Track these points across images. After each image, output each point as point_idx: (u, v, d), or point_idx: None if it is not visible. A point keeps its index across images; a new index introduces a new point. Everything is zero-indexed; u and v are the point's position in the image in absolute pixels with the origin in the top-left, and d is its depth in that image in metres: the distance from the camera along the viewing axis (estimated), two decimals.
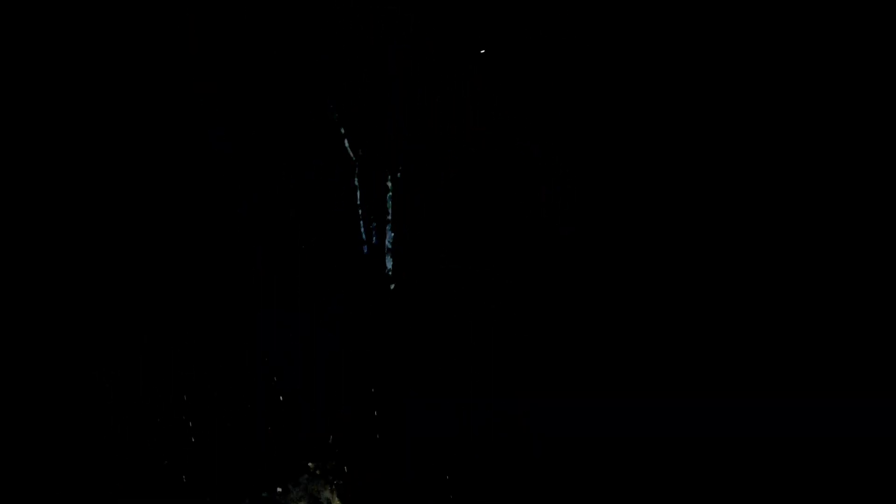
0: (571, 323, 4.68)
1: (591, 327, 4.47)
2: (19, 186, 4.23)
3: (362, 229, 6.00)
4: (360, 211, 5.94)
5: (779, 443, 3.13)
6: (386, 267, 5.97)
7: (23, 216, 4.21)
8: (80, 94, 4.62)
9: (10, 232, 4.16)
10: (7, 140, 4.32)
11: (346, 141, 5.63)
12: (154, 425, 3.71)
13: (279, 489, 3.60)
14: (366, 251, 6.04)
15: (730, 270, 4.11)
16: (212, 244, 5.40)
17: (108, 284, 4.39)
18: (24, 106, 4.39)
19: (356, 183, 5.86)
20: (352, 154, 5.70)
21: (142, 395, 3.88)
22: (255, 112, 6.18)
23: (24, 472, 3.36)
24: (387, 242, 5.92)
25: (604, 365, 4.06)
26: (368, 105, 5.71)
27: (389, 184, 5.81)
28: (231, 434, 4.01)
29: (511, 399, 3.97)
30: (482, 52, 5.02)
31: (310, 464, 3.74)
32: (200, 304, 4.88)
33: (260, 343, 4.86)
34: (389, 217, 5.85)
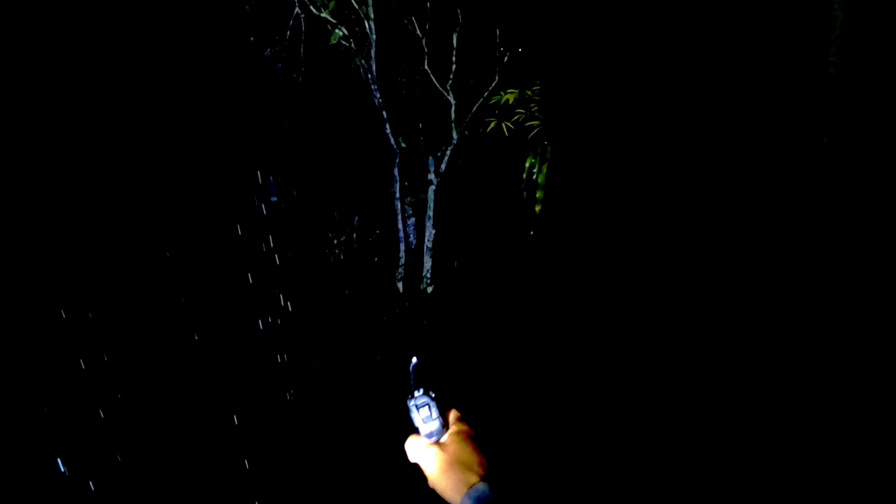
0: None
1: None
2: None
3: (400, 226, 5.43)
4: (398, 205, 5.37)
5: None
6: (424, 268, 5.41)
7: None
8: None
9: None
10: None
11: (387, 126, 5.04)
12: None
13: None
14: (402, 250, 5.48)
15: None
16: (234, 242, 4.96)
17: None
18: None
19: (396, 174, 5.28)
20: (394, 141, 5.12)
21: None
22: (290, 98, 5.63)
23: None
24: (426, 241, 5.35)
25: None
26: (415, 88, 5.11)
27: (433, 176, 5.22)
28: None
29: None
30: None
31: None
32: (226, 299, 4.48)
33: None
34: (431, 213, 5.27)
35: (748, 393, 3.56)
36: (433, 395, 0.93)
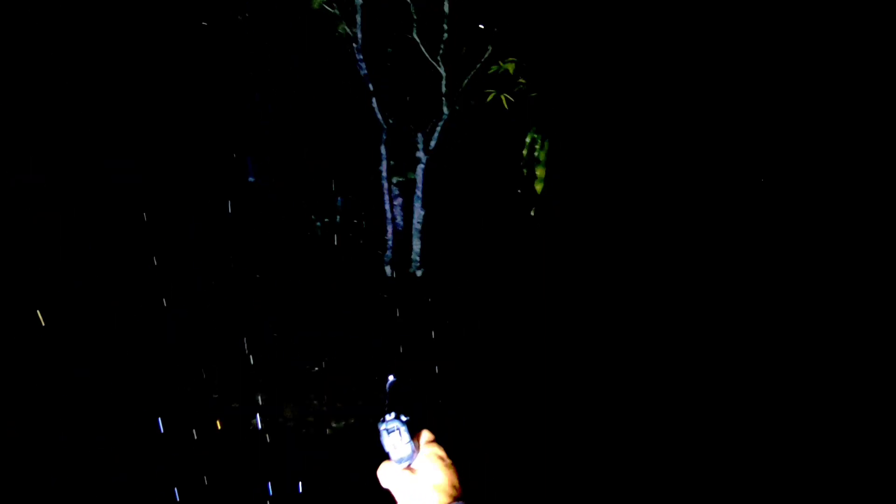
0: None
1: None
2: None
3: (387, 207, 5.14)
4: (385, 185, 5.07)
5: None
6: (413, 251, 5.14)
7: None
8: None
9: None
10: None
11: (374, 100, 4.72)
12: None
13: None
14: (390, 232, 5.20)
15: None
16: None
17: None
18: None
19: (383, 151, 4.98)
20: (380, 117, 4.80)
21: None
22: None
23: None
24: (415, 223, 5.07)
25: None
26: (403, 61, 4.76)
27: (422, 153, 4.93)
28: None
29: None
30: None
31: None
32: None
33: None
34: (419, 193, 4.98)
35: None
36: (404, 419, 0.91)
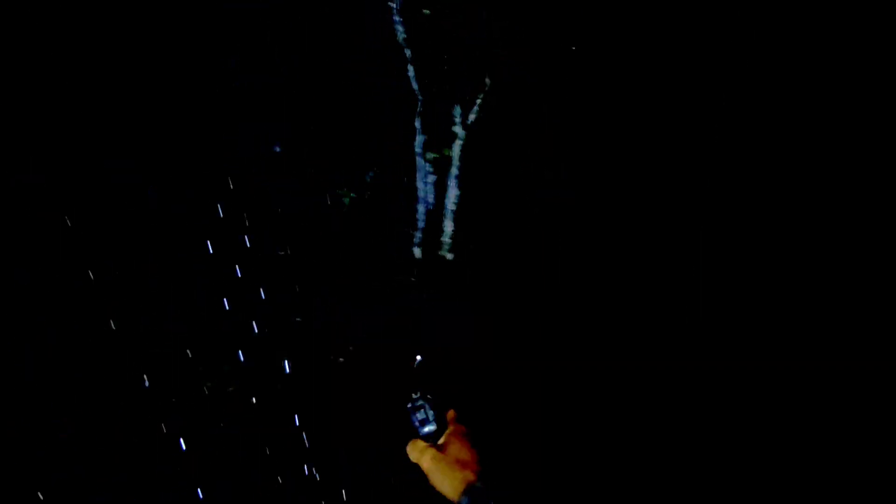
0: None
1: None
2: None
3: (419, 185, 4.80)
4: (418, 161, 4.72)
5: None
6: (444, 233, 4.81)
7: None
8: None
9: None
10: None
11: (410, 68, 4.34)
12: None
13: None
14: (421, 212, 4.87)
15: None
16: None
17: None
18: None
19: (417, 124, 4.61)
20: (417, 85, 4.43)
21: None
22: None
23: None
24: (448, 203, 4.73)
25: None
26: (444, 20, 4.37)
27: (459, 128, 4.56)
28: None
29: None
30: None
31: None
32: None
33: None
34: (455, 171, 4.63)
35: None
36: (430, 398, 1.00)
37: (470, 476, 0.87)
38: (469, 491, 0.84)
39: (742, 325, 4.05)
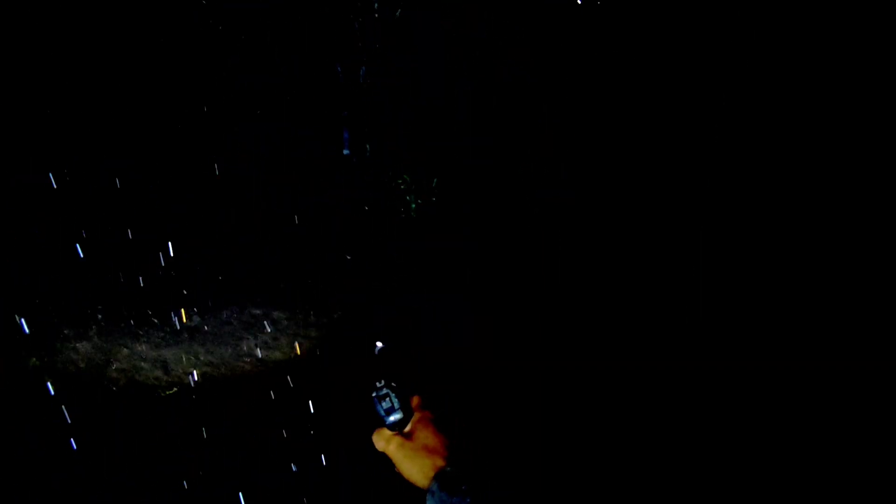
0: None
1: None
2: None
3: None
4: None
5: None
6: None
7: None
8: None
9: None
10: None
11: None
12: None
13: None
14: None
15: None
16: None
17: None
18: None
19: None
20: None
21: None
22: None
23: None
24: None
25: None
26: None
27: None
28: None
29: None
30: None
31: None
32: None
33: None
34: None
35: None
36: (394, 385, 0.95)
37: (439, 461, 0.87)
38: (439, 476, 0.84)
39: (739, 323, 3.98)
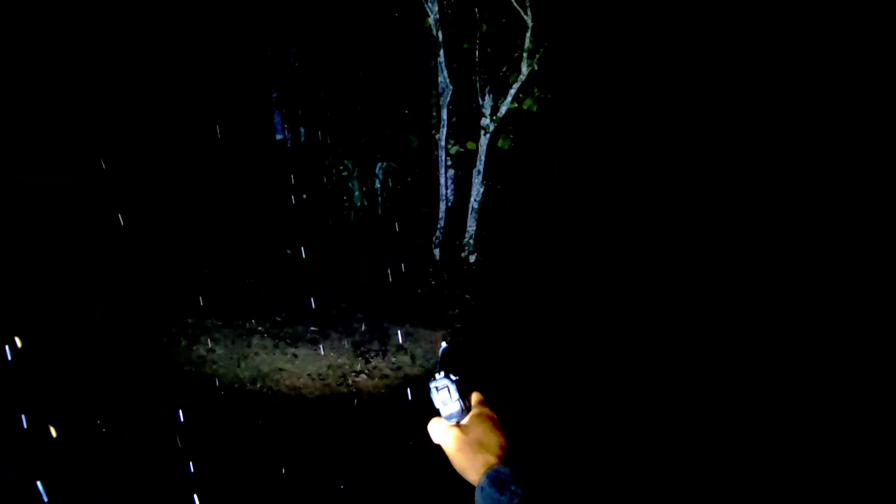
0: None
1: None
2: None
3: (442, 181, 4.40)
4: (441, 155, 4.32)
5: None
6: (467, 233, 4.45)
7: None
8: None
9: None
10: None
11: (441, 53, 3.94)
12: None
13: None
14: (442, 210, 4.47)
15: None
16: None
17: None
18: None
19: (444, 115, 4.22)
20: (446, 75, 4.02)
21: None
22: None
23: None
24: (472, 200, 4.36)
25: None
26: None
27: (488, 120, 4.19)
28: None
29: None
30: None
31: None
32: None
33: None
34: (480, 166, 4.26)
35: None
36: (454, 378, 0.95)
37: (492, 459, 0.84)
38: (491, 473, 0.82)
39: (737, 322, 4.03)
